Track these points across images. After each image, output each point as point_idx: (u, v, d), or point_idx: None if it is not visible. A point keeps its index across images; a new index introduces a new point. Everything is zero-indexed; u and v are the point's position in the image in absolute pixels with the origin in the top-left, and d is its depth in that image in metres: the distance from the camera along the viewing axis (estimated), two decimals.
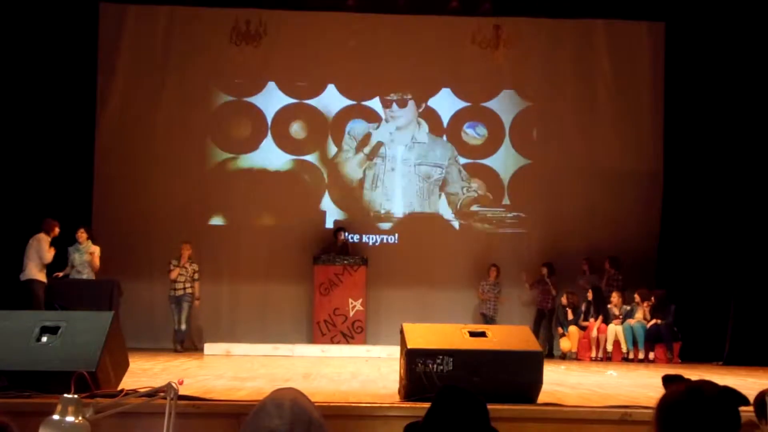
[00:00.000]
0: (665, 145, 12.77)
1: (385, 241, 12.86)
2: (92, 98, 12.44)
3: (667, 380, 2.23)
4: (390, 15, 12.84)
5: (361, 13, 12.81)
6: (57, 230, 10.40)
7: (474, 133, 13.13)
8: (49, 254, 10.24)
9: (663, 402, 2.05)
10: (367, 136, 13.06)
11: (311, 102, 13.05)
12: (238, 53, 12.87)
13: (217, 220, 12.84)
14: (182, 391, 3.59)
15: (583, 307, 11.89)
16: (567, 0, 12.76)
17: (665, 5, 12.58)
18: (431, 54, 12.92)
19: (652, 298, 11.41)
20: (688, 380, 2.19)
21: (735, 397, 2.09)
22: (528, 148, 13.07)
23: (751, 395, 3.59)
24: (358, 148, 13.04)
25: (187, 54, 12.77)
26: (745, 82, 11.03)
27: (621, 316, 11.55)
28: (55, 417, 2.49)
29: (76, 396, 2.58)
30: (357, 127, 13.08)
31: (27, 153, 11.31)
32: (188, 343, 11.80)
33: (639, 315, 11.45)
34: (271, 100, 13.02)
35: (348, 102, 13.08)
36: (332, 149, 13.04)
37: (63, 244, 10.62)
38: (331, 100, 13.07)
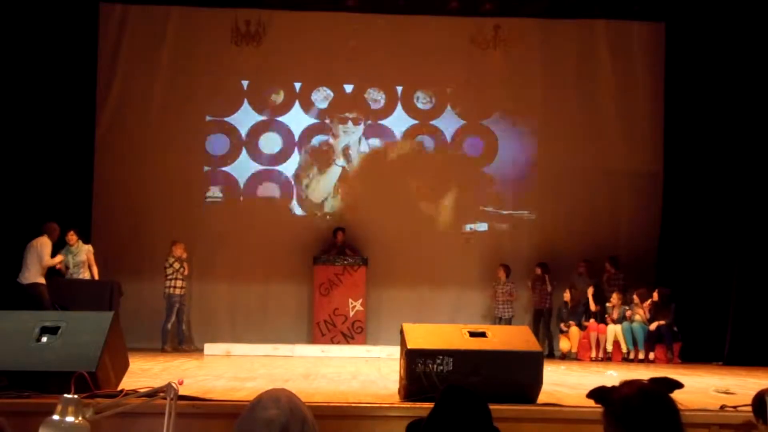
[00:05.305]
0: (665, 145, 12.75)
1: (385, 241, 12.81)
2: (92, 98, 12.42)
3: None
4: (390, 15, 12.83)
5: (361, 13, 12.81)
6: (58, 234, 10.42)
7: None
8: (54, 259, 10.28)
9: (621, 404, 2.09)
10: (368, 136, 13.06)
11: (311, 101, 13.03)
12: (238, 53, 12.87)
13: (217, 221, 12.81)
14: (182, 391, 3.60)
15: (582, 307, 11.90)
16: (567, 0, 12.76)
17: (665, 5, 12.57)
18: (431, 54, 12.90)
19: (655, 294, 11.36)
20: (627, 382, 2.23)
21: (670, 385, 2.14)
22: (528, 148, 13.06)
23: (750, 395, 3.60)
24: (359, 148, 13.04)
25: (187, 54, 12.77)
26: (745, 82, 11.02)
27: (617, 318, 11.51)
28: (55, 417, 2.49)
29: (76, 396, 2.58)
30: (358, 126, 13.07)
31: (26, 154, 11.28)
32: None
33: (638, 317, 11.43)
34: (271, 99, 13.00)
35: (348, 102, 13.06)
36: (332, 149, 13.03)
37: (57, 248, 10.63)
38: (331, 100, 13.05)
